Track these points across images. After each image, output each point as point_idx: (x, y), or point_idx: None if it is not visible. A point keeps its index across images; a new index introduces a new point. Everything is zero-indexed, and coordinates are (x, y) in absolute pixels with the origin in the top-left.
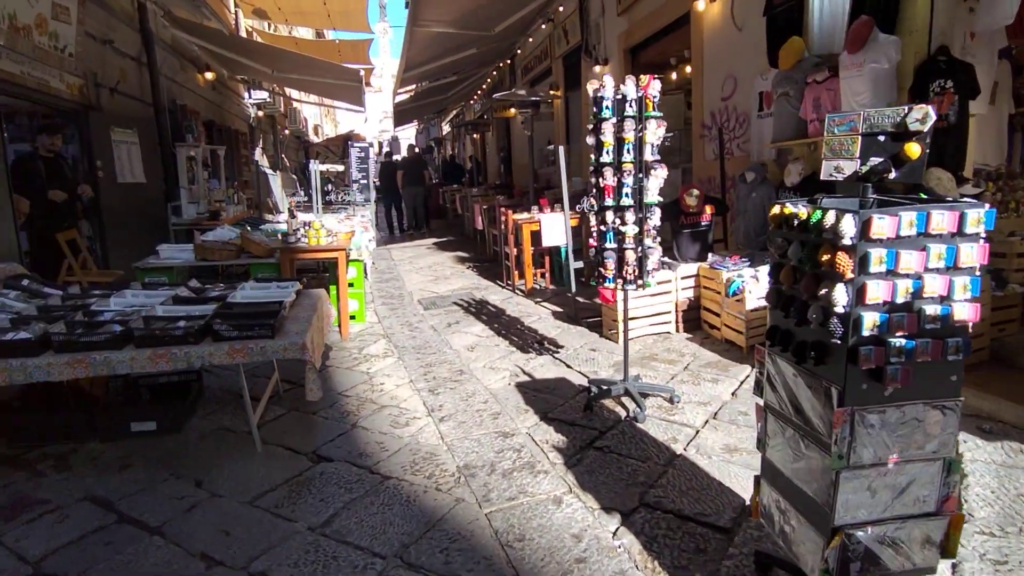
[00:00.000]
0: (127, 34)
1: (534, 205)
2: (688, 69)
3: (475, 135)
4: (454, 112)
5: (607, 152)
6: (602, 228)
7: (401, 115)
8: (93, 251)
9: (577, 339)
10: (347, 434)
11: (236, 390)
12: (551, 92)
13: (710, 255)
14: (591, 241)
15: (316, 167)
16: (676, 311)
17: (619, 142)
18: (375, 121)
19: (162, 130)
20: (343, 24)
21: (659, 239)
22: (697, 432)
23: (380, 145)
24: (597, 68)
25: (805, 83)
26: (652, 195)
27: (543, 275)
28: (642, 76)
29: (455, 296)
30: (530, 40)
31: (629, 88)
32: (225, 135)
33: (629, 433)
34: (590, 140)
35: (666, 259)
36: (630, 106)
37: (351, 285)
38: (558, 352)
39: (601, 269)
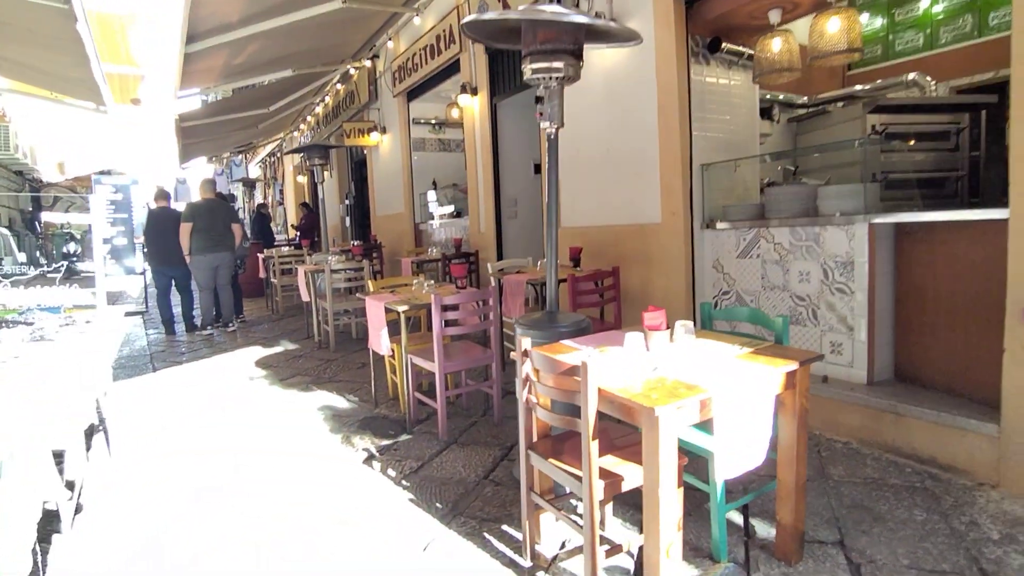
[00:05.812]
0: None
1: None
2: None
3: (303, 174)
4: (269, 148)
5: None
6: None
7: (190, 142)
8: None
9: None
10: None
11: None
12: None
13: None
14: None
15: None
16: None
17: None
18: (158, 163)
19: None
20: None
21: None
22: None
23: (160, 190)
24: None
25: None
26: None
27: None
28: None
29: None
30: (416, 20)
31: None
32: None
33: None
34: None
35: None
36: None
37: None
38: None
39: None
